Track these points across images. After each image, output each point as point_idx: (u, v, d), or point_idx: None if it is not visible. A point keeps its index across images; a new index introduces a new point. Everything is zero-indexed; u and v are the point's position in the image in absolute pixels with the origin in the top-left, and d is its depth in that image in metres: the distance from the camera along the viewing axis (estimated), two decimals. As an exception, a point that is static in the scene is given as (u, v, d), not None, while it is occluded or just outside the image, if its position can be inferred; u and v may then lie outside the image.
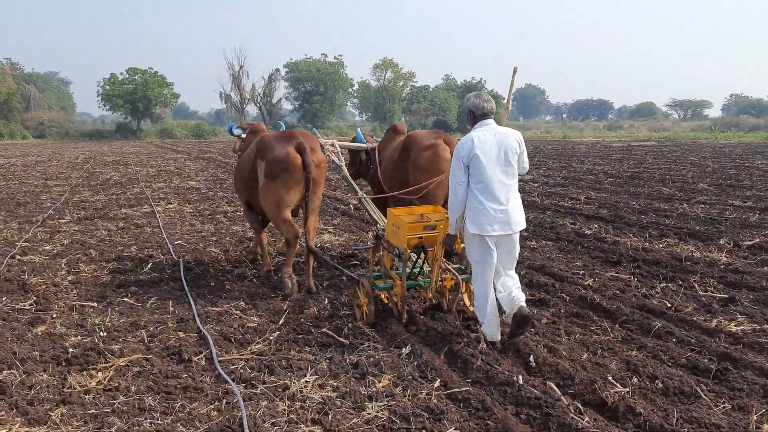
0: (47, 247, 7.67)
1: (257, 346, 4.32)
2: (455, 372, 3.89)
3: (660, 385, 3.66)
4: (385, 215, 5.88)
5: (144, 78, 55.48)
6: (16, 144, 42.77)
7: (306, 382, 3.72)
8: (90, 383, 3.71)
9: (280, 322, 4.81)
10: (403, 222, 4.54)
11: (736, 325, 4.68)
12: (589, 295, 5.38)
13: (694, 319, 4.81)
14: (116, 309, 5.20)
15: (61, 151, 32.46)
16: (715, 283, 5.81)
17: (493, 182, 4.15)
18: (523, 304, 4.28)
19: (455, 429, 3.19)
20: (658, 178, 14.71)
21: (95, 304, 5.32)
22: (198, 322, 4.81)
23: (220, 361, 4.03)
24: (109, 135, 54.51)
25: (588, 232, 8.33)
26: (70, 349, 4.21)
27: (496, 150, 4.17)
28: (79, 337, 4.52)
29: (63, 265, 6.75)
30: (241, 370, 3.90)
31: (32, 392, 3.59)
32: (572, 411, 3.33)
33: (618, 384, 3.65)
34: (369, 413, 3.35)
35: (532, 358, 4.01)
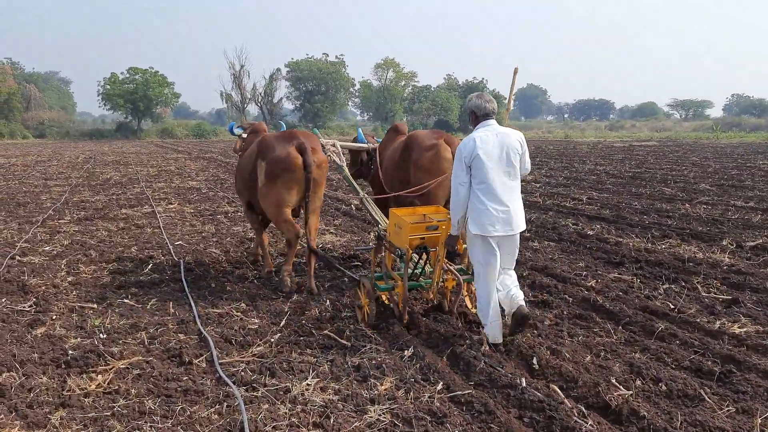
0: (47, 248, 7.65)
1: (258, 349, 4.30)
2: (458, 374, 3.86)
3: (664, 387, 3.64)
4: (386, 216, 5.87)
5: (144, 77, 55.49)
6: (17, 144, 42.78)
7: (307, 384, 3.69)
8: (90, 386, 3.68)
9: (281, 324, 4.79)
10: (406, 222, 4.52)
11: (739, 327, 4.65)
12: (592, 297, 5.35)
13: (698, 320, 4.79)
14: (116, 310, 5.18)
15: (62, 150, 32.46)
16: (718, 285, 5.78)
17: (495, 183, 4.15)
18: (522, 303, 4.31)
19: (458, 433, 3.17)
20: (659, 178, 14.68)
21: (95, 306, 5.30)
22: (198, 324, 4.78)
23: (220, 364, 4.01)
24: (110, 135, 54.52)
25: (590, 232, 8.30)
26: (70, 351, 4.18)
27: (498, 150, 4.17)
28: (78, 339, 4.49)
29: (63, 265, 6.72)
30: (242, 373, 3.88)
31: (32, 395, 3.57)
32: (575, 414, 3.30)
33: (621, 387, 3.63)
34: (371, 416, 3.32)
35: (535, 361, 3.98)
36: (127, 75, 56.03)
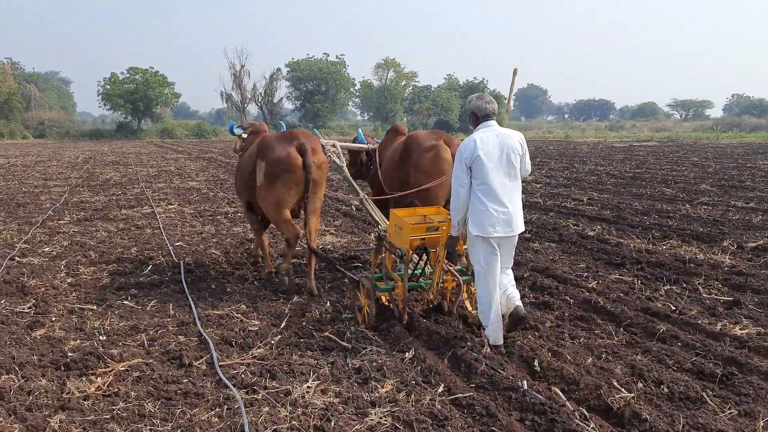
0: (46, 249, 7.63)
1: (259, 351, 4.28)
2: (459, 377, 3.85)
3: (665, 390, 3.62)
4: (385, 216, 5.87)
5: (145, 77, 55.51)
6: (16, 144, 42.78)
7: (308, 387, 3.67)
8: (89, 389, 3.66)
9: (281, 326, 4.77)
10: (406, 223, 4.51)
11: (741, 329, 4.64)
12: (593, 298, 5.34)
13: (699, 322, 4.77)
14: (116, 312, 5.16)
15: (61, 150, 32.46)
16: (720, 286, 5.77)
17: (496, 184, 4.16)
18: (519, 303, 4.38)
19: (459, 436, 3.15)
20: (660, 178, 14.67)
21: (95, 307, 5.28)
22: (199, 325, 4.76)
23: (221, 366, 3.99)
24: (110, 135, 54.54)
25: (591, 233, 8.28)
26: (70, 354, 4.16)
27: (499, 151, 4.18)
28: (78, 341, 4.48)
29: (62, 267, 6.71)
30: (243, 375, 3.86)
31: (31, 398, 3.55)
32: (577, 417, 3.29)
33: (623, 389, 3.61)
34: (372, 419, 3.31)
35: (536, 363, 3.97)
36: (127, 75, 56.08)
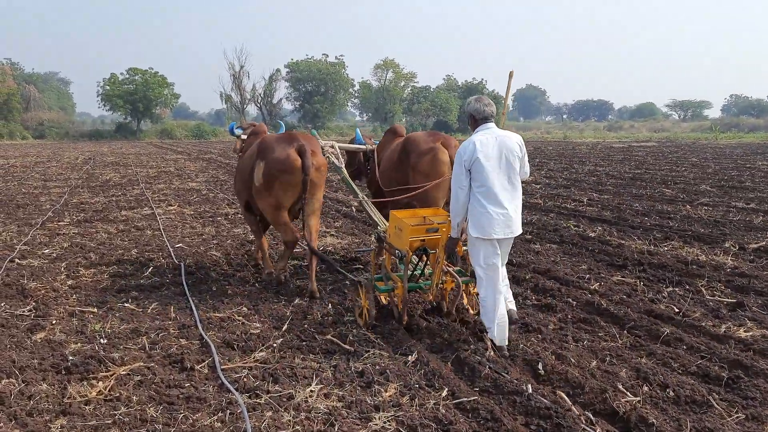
0: (46, 251, 7.60)
1: (261, 354, 4.25)
2: (463, 380, 3.82)
3: (671, 393, 3.59)
4: (385, 218, 5.86)
5: (144, 78, 55.46)
6: (16, 144, 42.72)
7: (311, 391, 3.64)
8: (90, 393, 3.63)
9: (283, 329, 4.74)
10: (406, 225, 4.50)
11: (745, 331, 4.62)
12: (595, 300, 5.31)
13: (703, 324, 4.75)
14: (117, 315, 5.13)
15: (61, 151, 32.40)
16: (722, 288, 5.74)
17: (496, 186, 4.17)
18: (513, 306, 4.47)
19: (464, 440, 3.13)
20: (659, 179, 14.66)
21: (95, 310, 5.25)
22: (200, 328, 4.73)
23: (223, 370, 3.96)
24: (109, 135, 54.48)
25: (592, 234, 8.26)
26: (70, 357, 4.13)
27: (498, 153, 4.20)
28: (79, 344, 4.44)
29: (62, 269, 6.68)
30: (245, 379, 3.83)
31: (31, 402, 3.52)
32: (583, 421, 3.26)
33: (629, 393, 3.59)
34: (376, 424, 3.28)
35: (540, 366, 3.94)
36: (127, 75, 56.02)
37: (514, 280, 6.05)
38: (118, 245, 7.97)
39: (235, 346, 4.40)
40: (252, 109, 63.21)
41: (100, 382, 3.77)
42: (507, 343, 4.26)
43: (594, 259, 6.99)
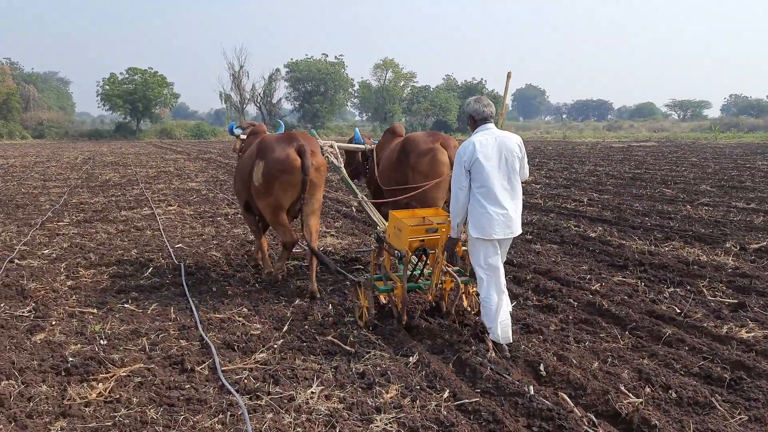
0: (46, 251, 7.58)
1: (261, 355, 4.23)
2: (464, 382, 3.80)
3: (673, 395, 3.58)
4: (384, 217, 5.84)
5: (144, 78, 55.41)
6: (15, 144, 42.67)
7: (312, 392, 3.63)
8: (90, 395, 3.61)
9: (284, 330, 4.73)
10: (405, 225, 4.50)
11: (747, 332, 4.60)
12: (597, 301, 5.30)
13: (705, 325, 4.73)
14: (117, 316, 5.11)
15: (60, 151, 32.36)
16: (724, 288, 5.74)
17: (495, 186, 4.17)
18: (508, 306, 4.41)
19: (466, 442, 3.11)
20: (659, 179, 14.65)
21: (95, 311, 5.23)
22: (200, 329, 4.72)
23: (223, 371, 3.94)
24: (109, 135, 54.42)
25: (593, 234, 8.25)
26: (70, 359, 4.11)
27: (497, 154, 4.20)
28: (78, 345, 4.43)
29: (62, 269, 6.66)
30: (245, 381, 3.81)
31: (31, 404, 3.50)
32: (586, 423, 3.25)
33: (631, 394, 3.57)
34: (377, 426, 3.26)
35: (542, 367, 3.92)
36: (126, 75, 55.96)
37: (515, 281, 6.05)
38: (118, 245, 7.95)
39: (235, 347, 4.38)
40: (251, 109, 63.28)
41: (100, 384, 3.75)
42: (510, 342, 4.25)
43: (595, 259, 6.98)
